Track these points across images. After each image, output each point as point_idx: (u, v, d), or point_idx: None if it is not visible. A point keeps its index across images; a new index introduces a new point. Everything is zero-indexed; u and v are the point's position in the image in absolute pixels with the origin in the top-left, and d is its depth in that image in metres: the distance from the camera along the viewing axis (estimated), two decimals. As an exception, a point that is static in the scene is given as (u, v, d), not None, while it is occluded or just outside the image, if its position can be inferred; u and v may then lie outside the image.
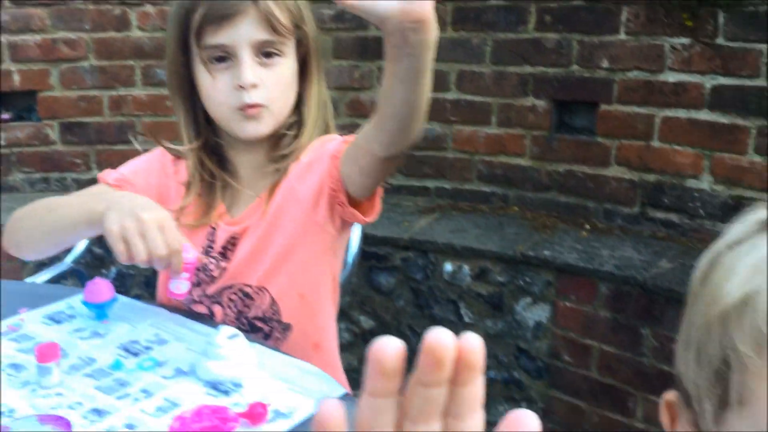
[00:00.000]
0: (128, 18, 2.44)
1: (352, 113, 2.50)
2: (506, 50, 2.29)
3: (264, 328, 1.08)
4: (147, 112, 2.51)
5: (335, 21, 2.42)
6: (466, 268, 2.16)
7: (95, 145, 2.54)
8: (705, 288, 0.41)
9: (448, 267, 2.18)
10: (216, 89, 1.03)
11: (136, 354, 0.92)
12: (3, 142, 2.50)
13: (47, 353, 0.84)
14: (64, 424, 0.70)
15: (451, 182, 2.46)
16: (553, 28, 2.21)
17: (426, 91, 0.89)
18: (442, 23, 2.31)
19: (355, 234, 1.61)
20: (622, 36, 2.12)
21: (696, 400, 0.41)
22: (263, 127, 1.05)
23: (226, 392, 0.84)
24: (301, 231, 1.06)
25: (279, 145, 1.08)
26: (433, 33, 0.81)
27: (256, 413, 0.77)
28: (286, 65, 1.05)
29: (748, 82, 1.94)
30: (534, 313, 2.10)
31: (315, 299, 1.11)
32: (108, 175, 1.13)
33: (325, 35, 2.44)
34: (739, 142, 1.98)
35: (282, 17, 1.02)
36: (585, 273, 1.99)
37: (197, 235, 1.09)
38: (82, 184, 2.56)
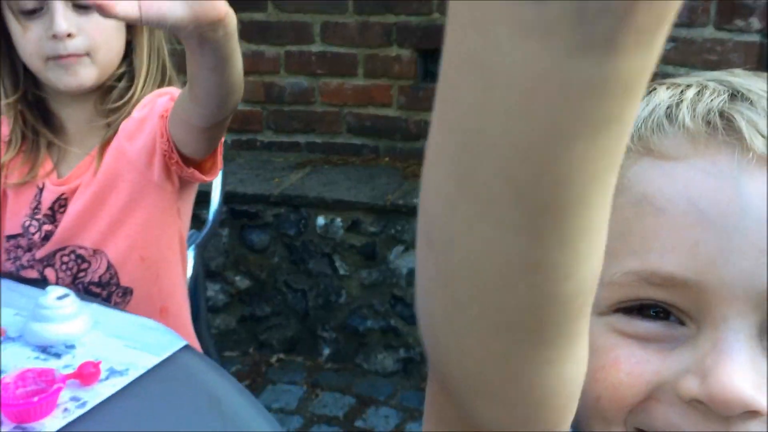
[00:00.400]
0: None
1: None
2: (369, 0, 2.27)
3: (101, 293, 1.03)
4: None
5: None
6: (338, 220, 2.16)
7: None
8: None
9: (321, 221, 2.17)
10: (28, 40, 0.97)
11: (-42, 323, 0.85)
12: None
13: None
14: None
15: (321, 136, 2.44)
16: (414, -24, 2.21)
17: (238, 69, 0.92)
18: (302, -27, 2.27)
19: (216, 191, 1.56)
20: (480, -17, 2.14)
21: None
22: (84, 78, 0.99)
23: (57, 355, 0.79)
24: (137, 191, 1.02)
25: (108, 98, 1.02)
26: (232, 23, 0.79)
27: (87, 373, 0.74)
28: None
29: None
30: (407, 261, 2.13)
31: (158, 261, 1.07)
32: None
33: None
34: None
35: None
36: (453, 218, 2.03)
37: (23, 195, 1.03)
38: None
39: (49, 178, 1.04)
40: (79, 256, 1.04)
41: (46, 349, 0.80)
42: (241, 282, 2.27)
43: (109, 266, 1.04)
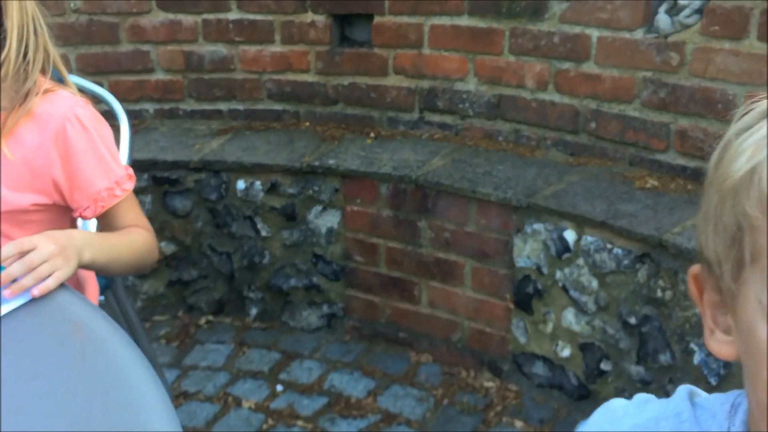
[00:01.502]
0: None
1: (133, 39, 2.44)
2: (281, -34, 2.31)
3: None
4: None
5: (102, -58, 2.33)
6: (257, 183, 2.22)
7: None
8: (718, 171, 0.48)
9: (241, 184, 2.23)
10: None
11: None
12: None
13: None
14: None
15: (242, 103, 2.49)
16: (324, -58, 2.26)
17: (139, 260, 1.14)
18: (214, -59, 2.30)
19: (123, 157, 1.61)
20: (388, -52, 2.20)
21: (716, 265, 0.48)
22: None
23: (-66, 296, 0.86)
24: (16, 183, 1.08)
25: None
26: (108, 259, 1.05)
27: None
28: None
29: (499, -13, 2.09)
30: (326, 220, 2.21)
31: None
32: None
33: (93, -42, 2.35)
34: (496, 44, 2.15)
35: None
36: (367, 176, 2.11)
37: None
38: None
39: None
40: None
41: None
42: (167, 247, 2.32)
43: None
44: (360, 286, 2.23)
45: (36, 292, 0.86)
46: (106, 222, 1.16)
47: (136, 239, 1.16)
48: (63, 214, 1.15)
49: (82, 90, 1.21)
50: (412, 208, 2.08)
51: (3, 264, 0.88)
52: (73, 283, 1.13)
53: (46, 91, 1.09)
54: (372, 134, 2.35)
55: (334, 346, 2.21)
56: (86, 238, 1.04)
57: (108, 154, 1.14)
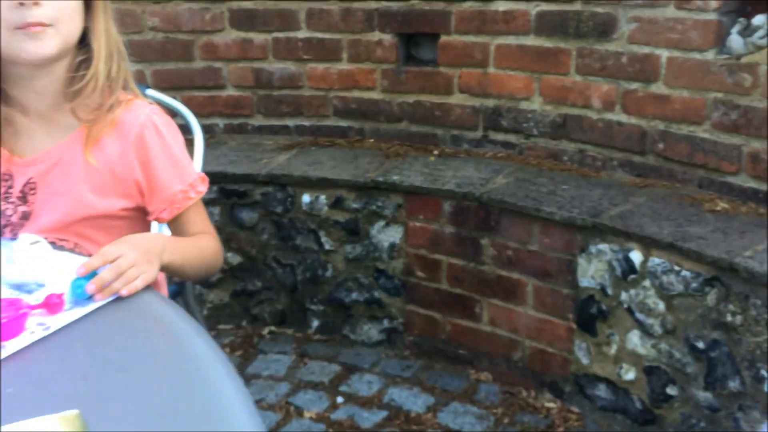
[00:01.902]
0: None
1: (206, 56, 2.53)
2: (351, -14, 2.37)
3: None
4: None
5: (180, -37, 2.43)
6: (322, 198, 2.27)
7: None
8: None
9: (306, 198, 2.28)
10: None
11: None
12: None
13: None
14: None
15: (309, 119, 2.55)
16: (393, -37, 2.31)
17: (207, 266, 1.22)
18: (286, -38, 2.37)
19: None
20: (456, -32, 2.23)
21: None
22: (48, 46, 1.05)
23: (29, 292, 0.91)
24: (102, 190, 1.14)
25: (73, 82, 1.10)
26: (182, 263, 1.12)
27: (52, 303, 0.85)
28: None
29: (567, 7, 2.10)
30: (388, 235, 2.23)
31: None
32: None
33: (172, -22, 2.45)
34: (562, 64, 2.15)
35: None
36: (430, 193, 2.13)
37: None
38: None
39: (12, 161, 1.12)
40: (61, 248, 1.10)
41: (19, 288, 0.91)
42: (233, 258, 2.38)
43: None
44: (420, 302, 2.24)
45: (125, 292, 0.90)
46: (177, 226, 1.20)
47: (205, 244, 1.21)
48: (144, 218, 1.19)
49: (159, 104, 1.28)
50: (474, 226, 2.09)
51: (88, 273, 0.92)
52: None
53: (124, 102, 1.15)
54: (435, 152, 2.37)
55: (393, 361, 2.23)
56: (165, 242, 1.09)
57: (182, 157, 1.19)
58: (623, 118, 2.06)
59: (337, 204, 2.26)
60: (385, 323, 2.30)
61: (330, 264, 2.31)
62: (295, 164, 2.34)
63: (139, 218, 1.19)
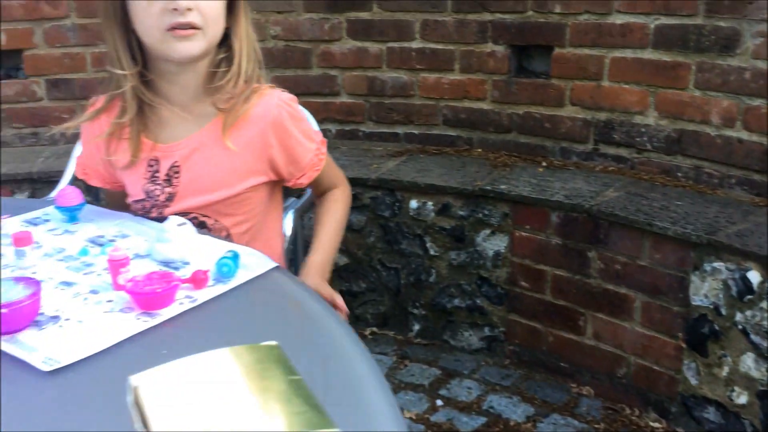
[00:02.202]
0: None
1: (323, 64, 2.62)
2: (466, -1, 2.41)
3: None
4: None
5: (304, -25, 2.54)
6: (429, 204, 2.31)
7: (80, 100, 2.66)
8: None
9: (414, 204, 2.33)
10: (149, 13, 1.12)
11: (101, 245, 1.07)
12: (-7, 100, 2.64)
13: (22, 239, 0.99)
14: (35, 283, 0.85)
15: (418, 127, 2.60)
16: (509, -25, 2.33)
17: (346, 220, 1.40)
18: (405, -26, 2.44)
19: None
20: (573, -19, 2.24)
21: None
22: (195, 46, 1.15)
23: (176, 268, 0.99)
24: (242, 175, 1.23)
25: (214, 78, 1.20)
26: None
27: (198, 278, 0.93)
28: None
29: (687, 21, 2.06)
30: (493, 244, 2.25)
31: (263, 227, 1.30)
32: (79, 169, 1.34)
33: (295, -11, 2.56)
34: (681, 78, 2.11)
35: None
36: (537, 203, 2.13)
37: (139, 164, 1.22)
38: (69, 139, 2.70)
39: (156, 148, 1.22)
40: (201, 224, 1.21)
41: (167, 264, 1.00)
42: (340, 259, 2.45)
43: (228, 237, 1.23)
44: (523, 311, 2.24)
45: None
46: (314, 183, 1.32)
47: (340, 212, 1.38)
48: (271, 188, 1.30)
49: None
50: (582, 238, 2.07)
51: None
52: None
53: (257, 91, 1.23)
54: (544, 163, 2.37)
55: (493, 369, 2.23)
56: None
57: (308, 128, 1.29)
58: (744, 135, 2.01)
59: (443, 210, 2.29)
60: (486, 331, 2.31)
61: (434, 269, 2.34)
62: (404, 170, 2.39)
63: (267, 190, 1.28)
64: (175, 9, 1.11)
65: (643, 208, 1.99)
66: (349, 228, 2.43)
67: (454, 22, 2.44)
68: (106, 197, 1.24)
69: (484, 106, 2.49)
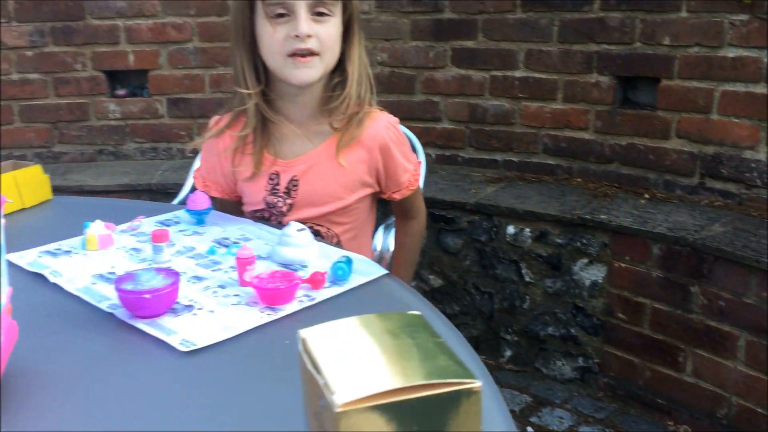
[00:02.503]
0: (227, 4, 2.73)
1: (426, 90, 2.69)
2: (572, 29, 2.43)
3: None
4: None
5: (412, 5, 2.63)
6: (527, 230, 2.32)
7: (197, 119, 2.85)
8: None
9: (511, 229, 2.34)
10: (275, 39, 1.23)
11: (227, 246, 1.15)
12: (119, 115, 2.84)
13: (160, 236, 1.08)
14: (174, 273, 0.94)
15: (518, 155, 2.62)
16: (617, 7, 2.33)
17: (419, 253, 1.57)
18: (511, 5, 2.49)
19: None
20: (684, 14, 2.22)
21: None
22: (314, 72, 1.25)
23: (294, 270, 1.05)
24: (351, 187, 1.34)
25: (329, 101, 1.30)
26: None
27: (316, 279, 0.99)
28: (334, 24, 1.25)
29: (804, 54, 2.01)
30: (590, 273, 2.23)
31: (362, 237, 1.42)
32: (199, 181, 1.42)
33: (403, 18, 2.65)
34: (796, 112, 2.05)
35: None
36: (639, 234, 2.11)
37: (260, 177, 1.33)
38: (185, 154, 2.87)
39: (277, 165, 1.32)
40: (316, 232, 1.30)
41: (287, 266, 1.07)
42: (435, 281, 2.49)
43: (338, 243, 1.34)
44: (619, 344, 2.20)
45: None
46: (404, 201, 1.43)
47: (413, 244, 1.51)
48: (372, 198, 1.41)
49: None
50: (684, 272, 2.03)
51: None
52: None
53: (368, 113, 1.33)
54: (646, 195, 2.34)
55: (585, 400, 2.21)
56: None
57: (408, 151, 1.40)
58: None
59: (541, 237, 2.30)
60: (580, 361, 2.29)
61: (528, 296, 2.34)
62: (503, 196, 2.42)
63: (370, 200, 1.41)
64: (297, 36, 1.22)
65: (750, 244, 1.94)
66: (445, 250, 2.47)
67: (559, 52, 2.47)
68: (219, 206, 1.35)
69: (586, 135, 2.48)
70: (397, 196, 1.39)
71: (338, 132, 1.31)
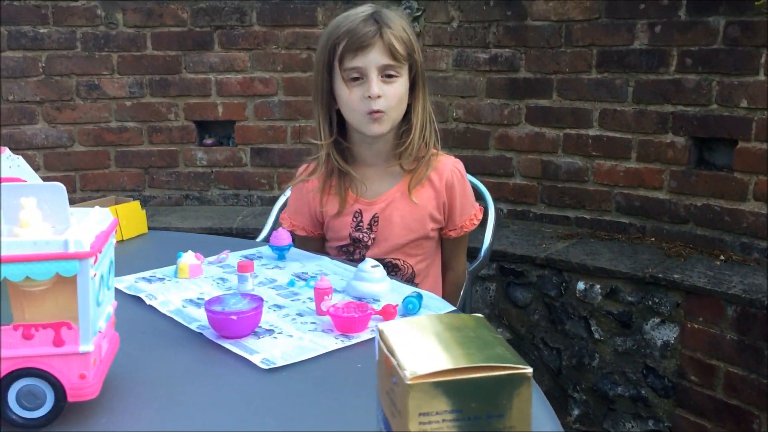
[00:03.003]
0: (311, 61, 2.88)
1: (500, 146, 2.76)
2: (647, 90, 2.46)
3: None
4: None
5: (489, 64, 2.72)
6: (597, 287, 2.32)
7: (278, 168, 2.99)
8: None
9: (581, 285, 2.35)
10: (351, 99, 1.41)
11: (305, 279, 1.23)
12: (205, 163, 3.01)
13: (245, 266, 1.17)
14: (258, 299, 1.01)
15: (590, 212, 2.63)
16: (694, 69, 2.36)
17: None
18: (586, 65, 2.54)
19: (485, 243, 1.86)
20: (761, 77, 2.23)
21: None
22: (384, 127, 1.43)
23: (368, 302, 1.11)
24: (423, 225, 1.49)
25: (397, 146, 1.48)
26: None
27: (388, 311, 1.04)
28: (401, 83, 1.42)
29: None
30: (662, 333, 2.20)
31: (433, 273, 1.55)
32: (286, 221, 1.57)
33: (480, 76, 2.74)
34: None
35: (399, 48, 1.40)
36: (713, 295, 2.08)
37: (344, 216, 1.49)
38: (265, 201, 3.00)
39: (358, 201, 1.49)
40: (394, 265, 1.49)
41: (361, 299, 1.13)
42: (503, 334, 2.50)
43: (413, 273, 1.51)
44: (691, 407, 2.15)
45: None
46: (452, 241, 1.56)
47: (446, 296, 1.59)
48: (438, 233, 1.54)
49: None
50: (761, 335, 1.99)
51: None
52: None
53: (434, 156, 1.50)
54: (722, 257, 2.31)
55: (655, 463, 2.15)
56: None
57: (470, 195, 1.55)
58: None
59: (611, 294, 2.29)
60: (650, 424, 2.24)
61: (598, 354, 2.32)
62: (573, 252, 2.43)
63: (438, 234, 1.55)
64: (369, 96, 1.39)
65: (831, 309, 1.89)
66: (514, 304, 2.48)
67: (634, 112, 2.49)
68: (301, 245, 1.46)
69: (660, 195, 2.48)
70: (452, 234, 1.53)
71: (409, 173, 1.48)
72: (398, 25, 1.40)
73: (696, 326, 2.14)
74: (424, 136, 1.46)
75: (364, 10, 1.42)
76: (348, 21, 1.39)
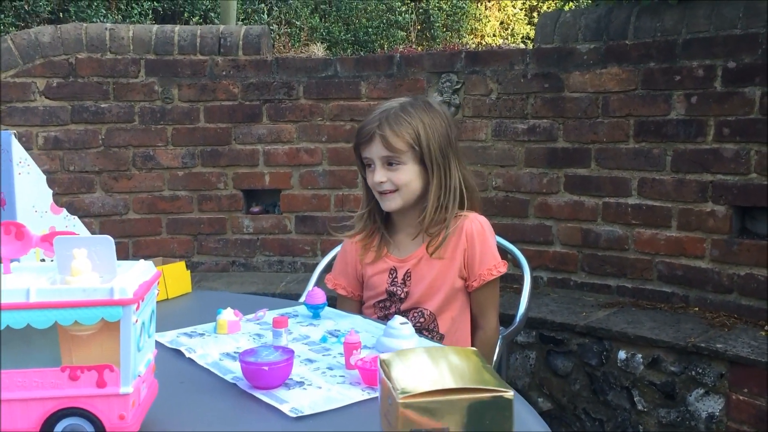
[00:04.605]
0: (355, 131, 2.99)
1: (539, 214, 2.79)
2: (686, 159, 2.47)
3: (428, 335, 1.60)
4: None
5: (527, 134, 2.78)
6: (639, 356, 2.29)
7: (321, 235, 3.06)
8: None
9: (622, 354, 2.32)
10: (369, 181, 1.63)
11: (337, 336, 1.27)
12: (251, 230, 3.11)
13: (280, 321, 1.22)
14: (289, 351, 1.05)
15: (631, 281, 2.62)
16: (731, 138, 2.37)
17: None
18: (624, 135, 2.58)
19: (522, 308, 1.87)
20: (801, 145, 2.23)
21: None
22: (394, 204, 1.61)
23: (397, 359, 1.15)
24: (450, 281, 1.60)
25: (420, 216, 1.63)
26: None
27: (415, 367, 1.08)
28: (405, 169, 1.58)
29: None
30: (707, 404, 2.15)
31: (460, 325, 1.63)
32: (330, 282, 1.74)
33: (518, 146, 2.80)
34: None
35: (396, 142, 1.56)
36: (758, 365, 2.04)
37: (380, 274, 1.66)
38: (308, 267, 3.07)
39: (390, 258, 1.65)
40: (422, 313, 1.62)
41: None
42: (544, 403, 2.47)
43: (435, 323, 1.59)
44: (740, 483, 2.08)
45: None
46: (479, 295, 1.63)
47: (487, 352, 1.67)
48: (464, 286, 1.63)
49: (501, 247, 1.79)
50: (809, 407, 1.93)
51: None
52: None
53: (462, 216, 1.62)
54: (766, 327, 2.27)
55: None
56: None
57: (492, 246, 1.63)
58: None
59: (653, 364, 2.25)
60: (697, 500, 2.16)
61: (641, 425, 2.27)
62: (614, 320, 2.41)
63: (463, 286, 1.63)
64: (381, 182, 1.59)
65: None
66: (555, 373, 2.46)
67: (673, 181, 2.51)
68: (339, 305, 1.56)
69: (702, 264, 2.46)
70: (474, 284, 1.60)
71: (429, 236, 1.62)
72: (404, 120, 1.57)
73: (742, 398, 2.08)
74: (441, 205, 1.60)
75: (389, 105, 1.62)
76: (366, 117, 1.64)
